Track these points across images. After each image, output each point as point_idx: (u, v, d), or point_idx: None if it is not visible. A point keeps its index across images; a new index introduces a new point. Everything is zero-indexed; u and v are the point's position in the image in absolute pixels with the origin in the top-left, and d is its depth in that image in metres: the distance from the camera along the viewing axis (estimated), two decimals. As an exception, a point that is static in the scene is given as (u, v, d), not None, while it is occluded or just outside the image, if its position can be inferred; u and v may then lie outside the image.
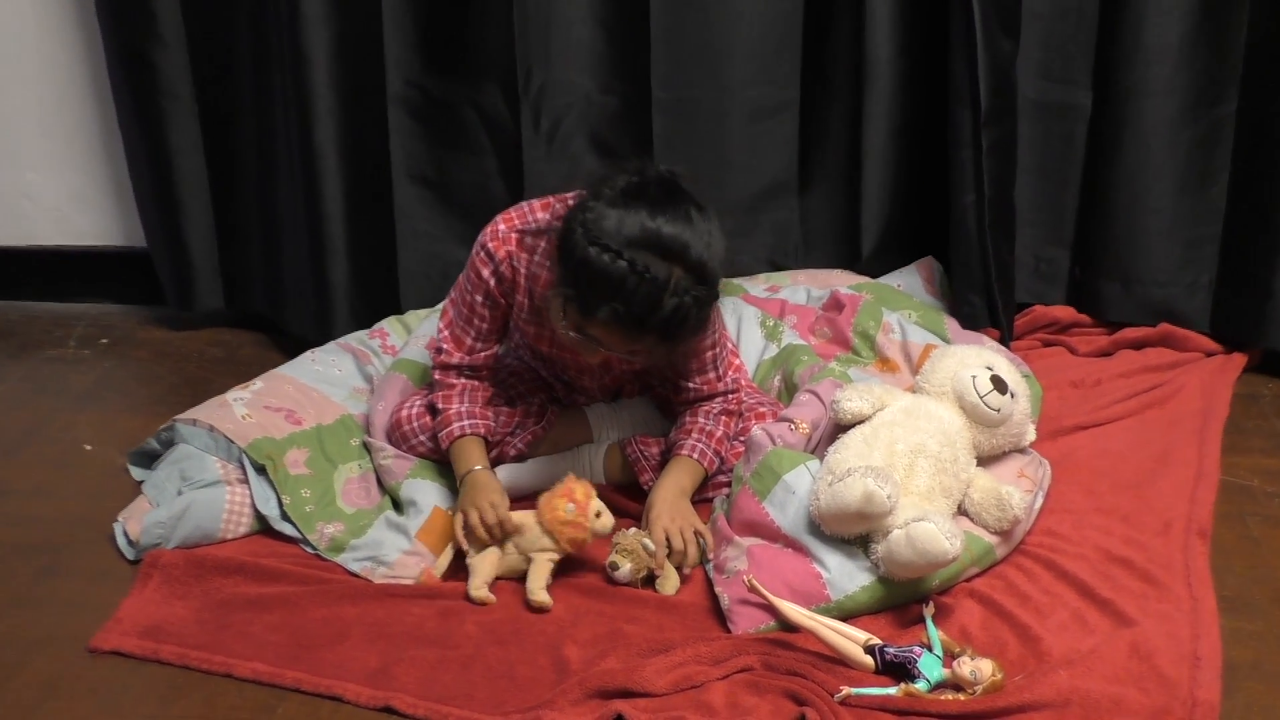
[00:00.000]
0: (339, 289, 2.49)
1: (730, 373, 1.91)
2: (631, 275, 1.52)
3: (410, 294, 2.49)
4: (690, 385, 1.88)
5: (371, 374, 2.21)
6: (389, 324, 2.37)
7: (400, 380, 2.09)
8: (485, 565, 1.70)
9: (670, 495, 1.79)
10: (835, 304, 2.35)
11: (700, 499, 1.90)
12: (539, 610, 1.66)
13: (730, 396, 1.91)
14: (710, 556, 1.73)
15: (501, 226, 1.78)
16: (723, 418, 1.90)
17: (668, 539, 1.71)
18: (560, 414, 2.00)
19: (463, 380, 1.87)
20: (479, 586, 1.69)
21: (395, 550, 1.81)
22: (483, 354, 1.87)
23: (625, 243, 1.53)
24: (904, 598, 1.66)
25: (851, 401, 1.81)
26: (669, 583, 1.70)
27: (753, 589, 1.63)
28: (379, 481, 1.96)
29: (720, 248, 1.58)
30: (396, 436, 1.96)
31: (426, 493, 1.88)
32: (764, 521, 1.75)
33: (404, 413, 1.95)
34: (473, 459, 1.80)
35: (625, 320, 1.55)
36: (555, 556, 1.70)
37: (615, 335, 1.59)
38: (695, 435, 1.87)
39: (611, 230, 1.54)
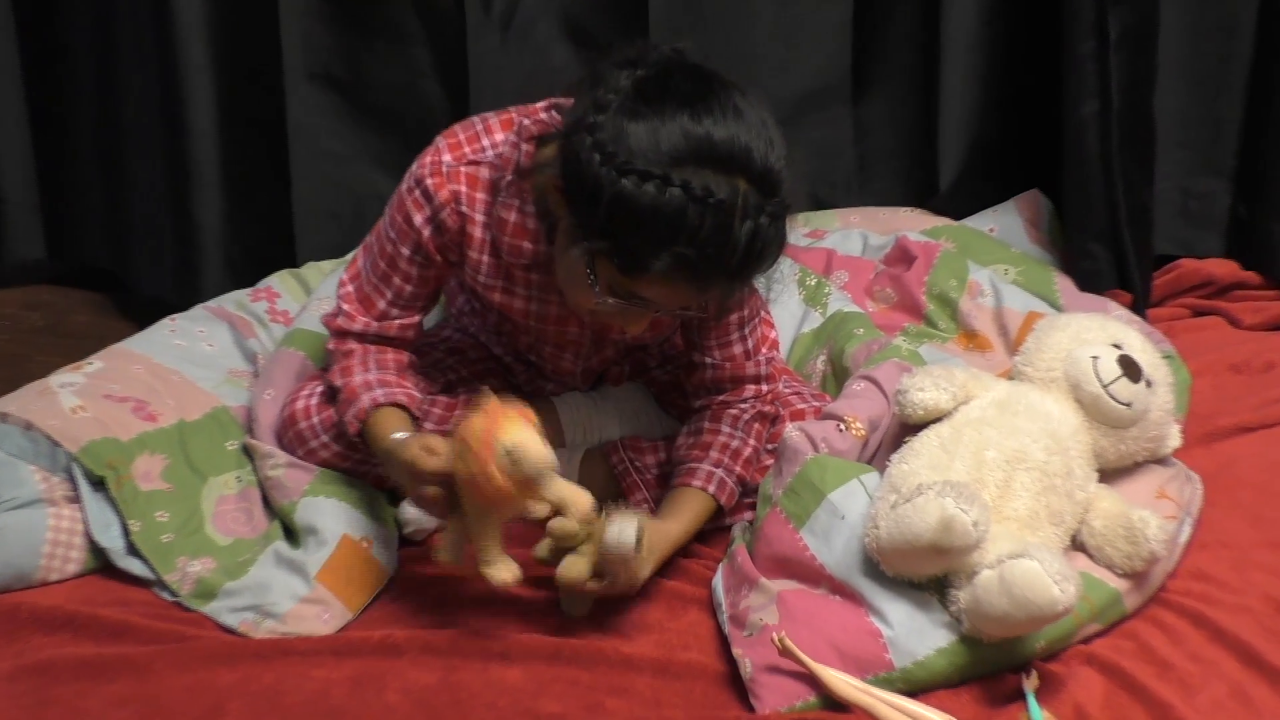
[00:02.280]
0: (209, 232, 2.51)
1: (764, 349, 1.93)
2: (693, 205, 1.52)
3: (309, 239, 2.52)
4: (709, 361, 1.90)
5: (255, 350, 2.23)
6: (279, 281, 2.40)
7: (295, 359, 2.10)
8: (487, 528, 1.69)
9: (662, 539, 1.80)
10: (902, 256, 2.38)
11: (712, 526, 1.93)
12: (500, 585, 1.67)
13: (765, 389, 1.93)
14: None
15: (446, 156, 1.80)
16: (755, 425, 1.92)
17: (626, 579, 1.73)
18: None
19: (365, 345, 1.89)
20: (492, 562, 1.68)
21: (287, 596, 1.81)
22: (398, 322, 1.89)
23: (669, 161, 1.53)
24: (995, 665, 1.66)
25: (924, 392, 1.82)
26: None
27: (785, 651, 1.63)
28: (265, 500, 1.98)
29: (781, 143, 1.59)
30: (290, 437, 1.97)
31: (332, 516, 1.89)
32: (802, 558, 1.75)
33: (300, 404, 1.96)
34: (392, 429, 1.80)
35: (694, 267, 1.56)
36: (484, 528, 1.68)
37: (678, 290, 1.61)
38: (716, 454, 1.89)
39: (644, 148, 1.54)
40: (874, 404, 1.96)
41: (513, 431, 1.60)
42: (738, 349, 1.91)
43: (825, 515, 1.76)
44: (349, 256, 2.29)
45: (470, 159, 1.79)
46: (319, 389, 1.97)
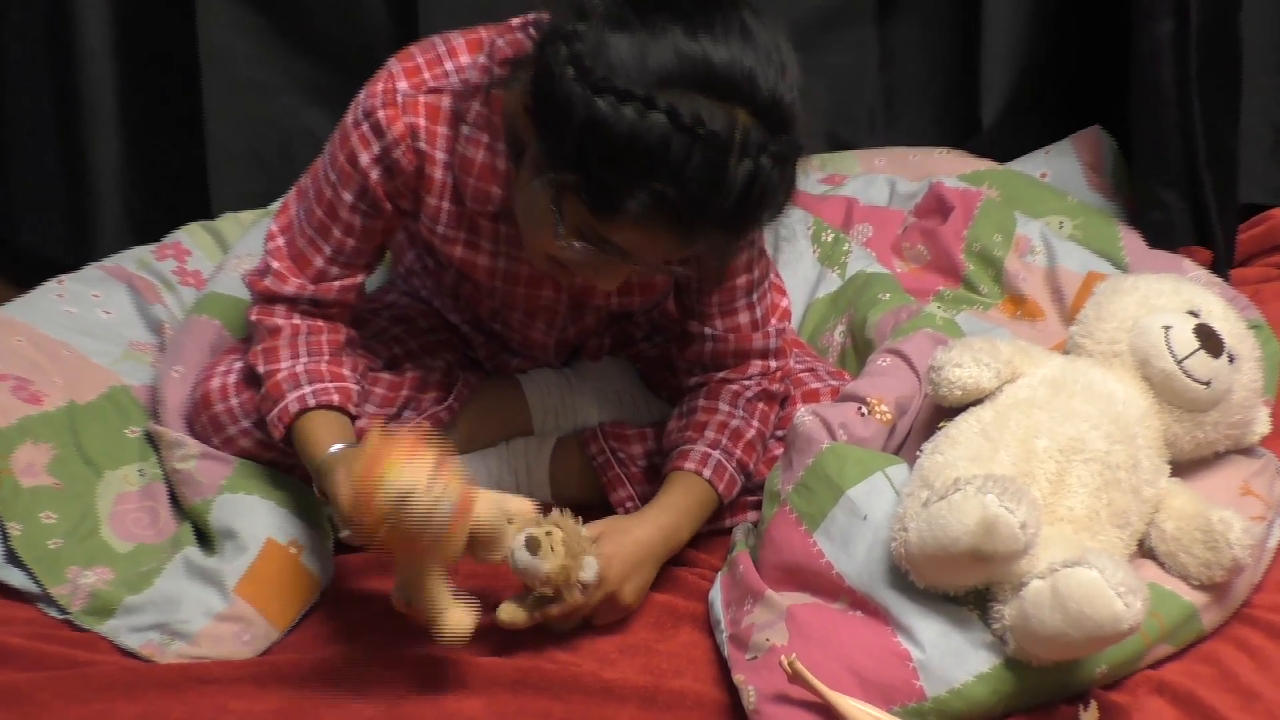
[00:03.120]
0: (104, 177, 2.50)
1: (774, 320, 1.95)
2: (679, 134, 1.51)
3: (226, 185, 2.52)
4: (709, 333, 1.91)
5: (162, 319, 2.23)
6: (190, 236, 2.40)
7: (209, 329, 2.11)
8: (420, 575, 1.69)
9: (639, 546, 1.82)
10: (937, 206, 2.38)
11: (710, 529, 1.94)
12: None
13: (774, 366, 1.95)
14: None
15: (402, 83, 1.79)
16: (759, 405, 1.94)
17: (575, 599, 1.75)
18: (479, 386, 2.03)
19: (295, 320, 1.89)
20: (436, 614, 1.68)
21: (200, 613, 1.82)
22: (338, 284, 1.88)
23: (656, 81, 1.52)
24: (1047, 693, 1.67)
25: (962, 368, 1.82)
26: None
27: (796, 677, 1.63)
28: (173, 498, 1.98)
29: (796, 72, 1.59)
30: (204, 423, 1.97)
31: (254, 516, 1.90)
32: (816, 566, 1.76)
33: (215, 383, 1.97)
34: (327, 440, 1.82)
35: (676, 211, 1.55)
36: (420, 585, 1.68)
37: (658, 238, 1.60)
38: (712, 434, 1.90)
39: (628, 64, 1.53)
40: (902, 383, 1.96)
41: (395, 474, 1.56)
42: (743, 318, 1.91)
43: (843, 515, 1.76)
44: (276, 205, 2.28)
45: (430, 86, 1.78)
46: (238, 364, 1.96)
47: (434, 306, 2.08)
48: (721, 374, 1.94)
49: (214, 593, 1.83)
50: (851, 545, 1.75)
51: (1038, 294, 2.26)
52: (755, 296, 1.91)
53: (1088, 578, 1.57)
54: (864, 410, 1.92)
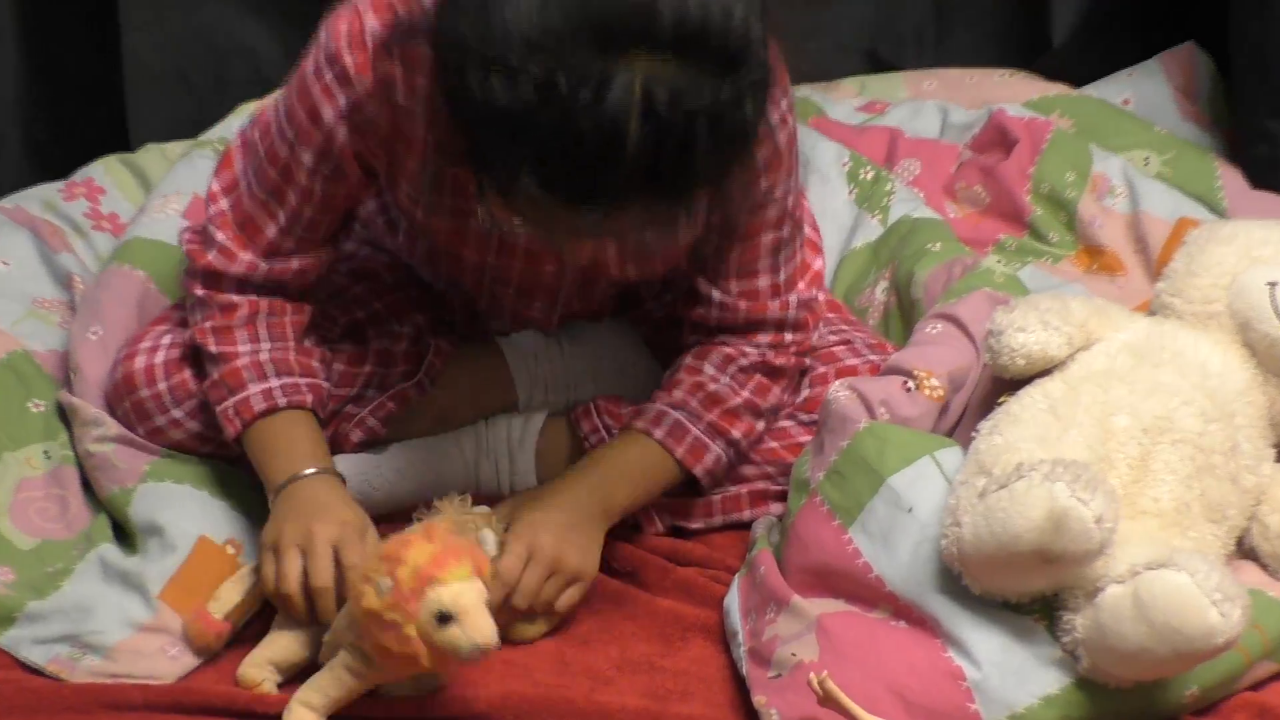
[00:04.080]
0: (1, 104, 2.50)
1: (800, 287, 1.95)
2: (546, 103, 1.49)
3: (147, 112, 2.53)
4: (718, 297, 1.93)
5: (71, 270, 2.23)
6: (105, 171, 2.41)
7: (133, 282, 2.11)
8: (283, 642, 1.77)
9: (564, 506, 1.85)
10: (998, 138, 2.39)
11: (727, 522, 1.97)
12: None
13: (788, 339, 1.96)
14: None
15: (371, 20, 1.76)
16: (756, 377, 1.95)
17: (501, 565, 1.77)
18: (454, 355, 2.05)
19: (251, 297, 1.90)
20: (256, 662, 1.75)
21: (118, 623, 1.81)
22: (295, 262, 1.89)
23: (531, 42, 1.49)
24: (1127, 718, 1.67)
25: (1027, 333, 1.82)
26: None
27: (828, 699, 1.62)
28: (87, 486, 1.98)
29: None
30: (128, 408, 1.99)
31: (184, 509, 1.90)
32: (851, 568, 1.76)
33: (141, 362, 1.98)
34: (298, 454, 1.84)
35: (562, 190, 1.54)
36: (359, 679, 1.71)
37: (574, 216, 1.58)
38: (680, 393, 1.92)
39: (507, 26, 1.49)
40: (956, 352, 1.97)
41: (454, 584, 1.63)
42: (763, 282, 1.92)
43: (885, 507, 1.76)
44: (209, 137, 2.29)
45: (408, 24, 1.71)
46: (167, 339, 1.97)
47: (401, 260, 2.09)
48: (722, 337, 1.95)
49: (135, 599, 1.82)
50: (894, 543, 1.74)
51: (1117, 244, 2.28)
52: (781, 258, 1.91)
53: (1176, 582, 1.57)
54: (910, 385, 1.93)
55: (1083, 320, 1.84)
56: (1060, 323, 1.83)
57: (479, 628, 1.62)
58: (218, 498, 1.92)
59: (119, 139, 2.49)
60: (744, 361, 1.94)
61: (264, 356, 1.88)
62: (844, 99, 2.56)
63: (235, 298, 1.89)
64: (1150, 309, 1.94)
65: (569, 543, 1.83)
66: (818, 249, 2.05)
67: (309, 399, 1.88)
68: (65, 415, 2.03)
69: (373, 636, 1.65)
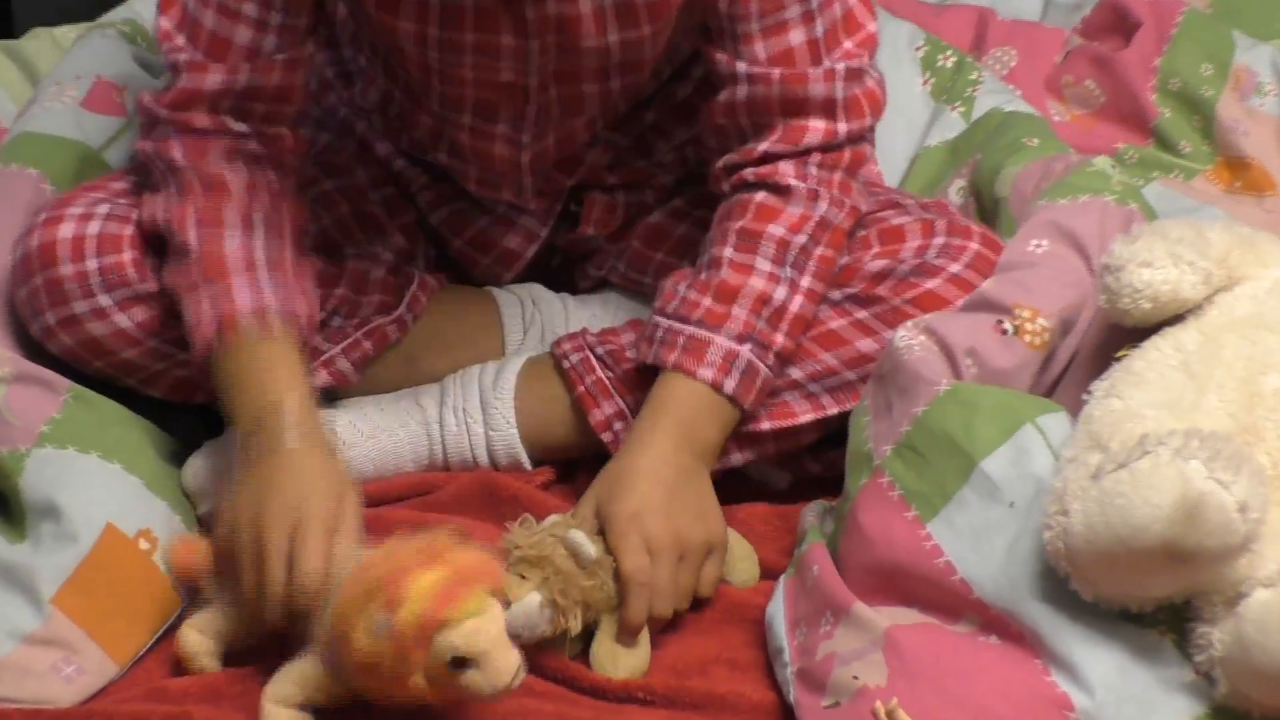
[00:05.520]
0: None
1: (848, 43, 1.86)
2: None
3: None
4: (742, 70, 1.85)
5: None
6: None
7: (24, 183, 2.05)
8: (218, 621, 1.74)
9: (653, 475, 1.79)
10: (1115, 21, 2.36)
11: (729, 463, 1.91)
12: None
13: (840, 131, 1.87)
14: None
15: None
16: (825, 209, 1.88)
17: (627, 570, 1.74)
18: (440, 293, 2.04)
19: (239, 166, 1.87)
20: (199, 625, 1.72)
21: (1, 632, 1.72)
22: (280, 58, 1.86)
23: None
24: (1275, 754, 1.57)
25: (1154, 269, 1.71)
26: (617, 655, 1.73)
27: (899, 733, 1.58)
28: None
29: None
30: (38, 287, 1.90)
31: (88, 487, 1.81)
32: (927, 567, 1.66)
33: (66, 230, 1.89)
34: (281, 380, 1.79)
35: None
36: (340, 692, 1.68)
37: None
38: (744, 312, 1.85)
39: None
40: (1067, 281, 1.85)
41: (468, 623, 1.57)
42: (795, 36, 1.83)
43: (976, 497, 1.65)
44: (111, 18, 2.29)
45: None
46: (104, 207, 1.89)
47: (377, 155, 2.07)
48: (761, 150, 1.86)
49: (21, 602, 1.73)
50: (985, 539, 1.64)
51: (1267, 156, 2.21)
52: (816, 3, 1.83)
53: (1339, 589, 1.49)
54: (1008, 326, 1.82)
55: (1224, 254, 1.74)
56: (1195, 256, 1.72)
57: (501, 670, 1.58)
58: (133, 473, 1.82)
59: (1, 24, 2.49)
60: (804, 190, 1.86)
61: (259, 254, 1.84)
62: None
63: (224, 169, 1.84)
64: (1310, 245, 1.84)
65: (681, 515, 1.78)
66: (870, 8, 1.96)
67: (300, 308, 1.84)
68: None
69: (361, 681, 1.62)
